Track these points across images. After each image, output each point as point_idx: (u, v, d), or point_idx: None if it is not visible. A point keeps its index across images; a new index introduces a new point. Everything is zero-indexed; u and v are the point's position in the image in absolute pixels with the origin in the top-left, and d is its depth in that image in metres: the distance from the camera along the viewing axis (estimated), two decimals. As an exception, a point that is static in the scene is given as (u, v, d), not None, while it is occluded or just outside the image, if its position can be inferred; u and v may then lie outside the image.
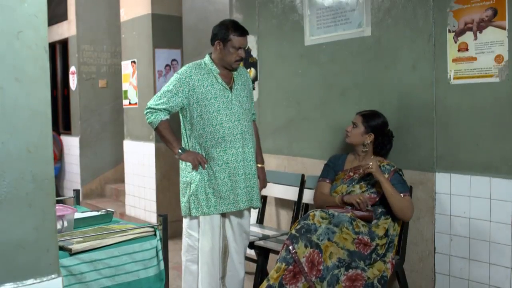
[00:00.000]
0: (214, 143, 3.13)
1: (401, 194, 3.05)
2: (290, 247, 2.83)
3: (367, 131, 3.24)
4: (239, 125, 3.17)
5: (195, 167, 3.14)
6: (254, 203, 3.27)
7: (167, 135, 3.16)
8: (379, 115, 3.27)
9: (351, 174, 3.25)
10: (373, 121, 3.25)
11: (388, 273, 2.95)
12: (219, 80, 3.16)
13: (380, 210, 3.11)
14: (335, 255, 2.83)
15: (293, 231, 2.90)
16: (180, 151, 3.14)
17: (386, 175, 3.08)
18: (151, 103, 3.16)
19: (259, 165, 3.40)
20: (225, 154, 3.14)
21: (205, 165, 3.13)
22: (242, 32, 3.15)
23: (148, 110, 3.16)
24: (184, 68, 3.20)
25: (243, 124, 3.19)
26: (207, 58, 3.23)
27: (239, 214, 3.26)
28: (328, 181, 3.36)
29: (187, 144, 3.21)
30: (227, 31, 3.12)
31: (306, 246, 2.82)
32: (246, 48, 3.24)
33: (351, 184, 3.20)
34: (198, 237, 3.22)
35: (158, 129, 3.16)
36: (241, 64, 3.31)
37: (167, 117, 3.15)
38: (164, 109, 3.12)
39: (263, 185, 3.43)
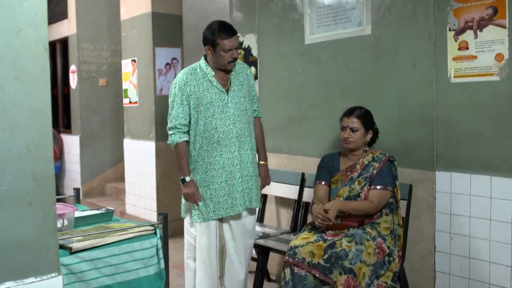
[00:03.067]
0: (210, 148, 3.11)
1: (378, 187, 3.02)
2: (328, 279, 2.76)
3: (367, 131, 3.17)
4: (234, 128, 3.14)
5: (186, 200, 3.16)
6: (253, 204, 3.24)
7: (179, 159, 3.13)
8: (367, 110, 3.21)
9: (348, 174, 3.18)
10: (369, 119, 3.19)
11: (397, 268, 2.99)
12: (214, 83, 3.13)
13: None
14: (366, 275, 2.83)
15: (322, 262, 2.79)
16: (186, 179, 3.11)
17: (377, 164, 3.07)
18: (168, 125, 3.15)
19: (261, 162, 3.38)
20: (221, 158, 3.12)
21: (198, 201, 3.13)
22: (229, 33, 3.06)
23: (168, 132, 3.15)
24: (179, 75, 3.17)
25: (238, 127, 3.16)
26: (202, 61, 3.18)
27: (238, 213, 3.24)
28: (324, 183, 3.25)
29: (186, 151, 3.19)
30: (214, 35, 3.05)
31: (340, 274, 2.78)
32: (238, 46, 3.15)
33: (350, 184, 3.14)
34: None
35: (173, 151, 3.17)
36: (240, 59, 3.27)
37: (184, 138, 3.12)
38: (178, 124, 3.09)
39: (265, 182, 3.41)
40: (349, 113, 3.18)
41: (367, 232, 2.95)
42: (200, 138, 3.11)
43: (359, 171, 3.13)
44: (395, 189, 3.10)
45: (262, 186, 3.39)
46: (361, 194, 3.07)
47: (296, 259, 2.86)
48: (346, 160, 3.24)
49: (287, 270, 2.89)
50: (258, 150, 3.37)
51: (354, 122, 3.14)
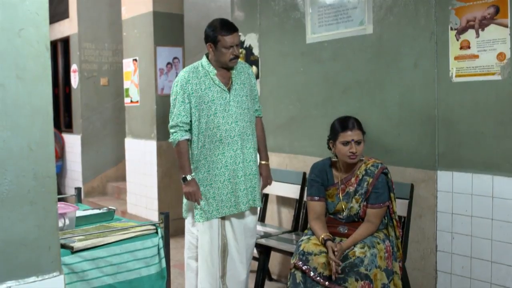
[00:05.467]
0: (212, 146, 3.12)
1: (376, 205, 2.92)
2: None
3: (364, 140, 3.02)
4: (236, 126, 3.15)
5: (187, 199, 3.16)
6: (256, 203, 3.26)
7: (180, 158, 3.13)
8: (354, 117, 3.05)
9: (343, 187, 3.03)
10: (362, 125, 3.02)
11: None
12: (216, 82, 3.14)
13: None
14: (380, 281, 2.76)
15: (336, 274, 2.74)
16: (187, 178, 3.11)
17: (370, 179, 2.96)
18: (170, 123, 3.15)
19: (263, 162, 3.38)
20: (223, 157, 3.13)
21: (200, 199, 3.13)
22: (230, 30, 3.09)
23: (170, 131, 3.16)
24: (181, 73, 3.18)
25: (241, 125, 3.17)
26: (204, 60, 3.20)
27: (240, 213, 3.25)
28: (318, 199, 3.06)
29: (188, 150, 3.19)
30: (215, 32, 3.09)
31: (356, 280, 2.71)
32: (239, 43, 3.18)
33: (348, 199, 3.02)
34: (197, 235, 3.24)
35: (175, 149, 3.16)
36: (242, 59, 3.27)
37: (185, 136, 3.12)
38: (180, 122, 3.10)
39: (266, 182, 3.40)
40: (348, 125, 2.97)
41: (376, 236, 2.91)
42: (203, 136, 3.11)
43: (355, 186, 2.99)
44: (390, 201, 2.99)
45: (264, 186, 3.39)
46: (360, 212, 2.99)
47: (308, 267, 2.81)
48: (340, 171, 3.07)
49: (298, 273, 2.83)
50: (260, 150, 3.37)
51: (358, 134, 2.95)
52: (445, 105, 3.12)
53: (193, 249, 3.29)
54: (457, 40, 3.03)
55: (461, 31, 3.01)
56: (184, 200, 3.25)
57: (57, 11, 7.79)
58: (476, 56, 2.95)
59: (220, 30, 3.08)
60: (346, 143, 2.95)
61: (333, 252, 2.75)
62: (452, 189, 3.12)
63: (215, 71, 3.15)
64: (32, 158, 1.64)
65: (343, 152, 2.96)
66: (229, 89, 3.17)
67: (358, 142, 2.95)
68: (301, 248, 2.88)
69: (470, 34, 2.97)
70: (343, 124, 2.99)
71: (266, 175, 3.38)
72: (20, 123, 1.62)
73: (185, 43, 6.09)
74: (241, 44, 4.42)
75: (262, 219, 4.20)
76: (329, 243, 2.81)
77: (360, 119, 3.08)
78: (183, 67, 5.84)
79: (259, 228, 3.94)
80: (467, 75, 3.00)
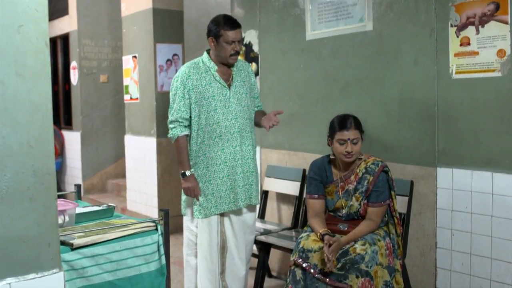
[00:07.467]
0: (211, 142, 3.12)
1: (377, 204, 2.92)
2: (343, 285, 2.69)
3: (362, 138, 3.02)
4: (236, 123, 3.15)
5: (186, 194, 3.16)
6: (253, 200, 3.27)
7: (179, 153, 3.14)
8: (356, 116, 3.04)
9: (343, 184, 3.03)
10: (361, 125, 3.01)
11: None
12: (217, 78, 3.14)
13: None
14: (381, 279, 2.75)
15: (335, 270, 2.73)
16: (186, 173, 3.11)
17: (371, 178, 2.95)
18: (169, 118, 3.16)
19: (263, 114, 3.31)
20: (223, 153, 3.13)
21: (199, 196, 3.13)
22: (233, 25, 3.11)
23: (169, 126, 3.16)
24: (182, 69, 3.18)
25: (240, 122, 3.17)
26: (205, 56, 3.20)
27: (239, 209, 3.25)
28: (317, 197, 3.06)
29: (187, 145, 3.19)
30: (218, 27, 3.10)
31: (357, 277, 2.70)
32: (241, 41, 3.18)
33: (347, 197, 3.02)
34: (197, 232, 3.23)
35: (174, 144, 3.17)
36: (241, 57, 3.27)
37: (185, 132, 3.13)
38: (180, 117, 3.10)
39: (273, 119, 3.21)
40: (345, 125, 2.95)
41: (376, 233, 2.91)
42: (202, 132, 3.12)
43: (355, 184, 2.99)
44: (391, 199, 2.99)
45: (272, 122, 3.21)
46: (360, 210, 2.99)
47: (308, 264, 2.80)
48: (339, 169, 3.07)
49: (298, 270, 2.83)
50: (260, 117, 3.30)
51: (355, 133, 2.94)
52: (445, 102, 3.11)
53: (192, 246, 3.29)
54: (457, 36, 3.02)
55: (461, 27, 3.00)
56: (183, 197, 3.25)
57: (57, 8, 7.78)
58: (476, 53, 2.95)
59: (224, 25, 3.09)
60: (342, 142, 2.95)
61: (328, 245, 2.73)
62: (452, 186, 3.12)
63: (216, 67, 3.16)
64: (31, 155, 1.64)
65: (339, 151, 2.97)
66: (229, 86, 3.17)
67: (354, 142, 2.94)
68: (300, 245, 2.89)
69: (470, 31, 2.97)
70: (340, 123, 2.99)
71: (269, 113, 3.26)
72: (19, 120, 1.62)
73: (185, 40, 6.09)
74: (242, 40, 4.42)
75: (262, 216, 4.20)
76: (326, 237, 2.81)
77: (360, 116, 3.08)
78: (183, 64, 5.83)
79: (259, 225, 3.94)
80: (467, 71, 3.00)
